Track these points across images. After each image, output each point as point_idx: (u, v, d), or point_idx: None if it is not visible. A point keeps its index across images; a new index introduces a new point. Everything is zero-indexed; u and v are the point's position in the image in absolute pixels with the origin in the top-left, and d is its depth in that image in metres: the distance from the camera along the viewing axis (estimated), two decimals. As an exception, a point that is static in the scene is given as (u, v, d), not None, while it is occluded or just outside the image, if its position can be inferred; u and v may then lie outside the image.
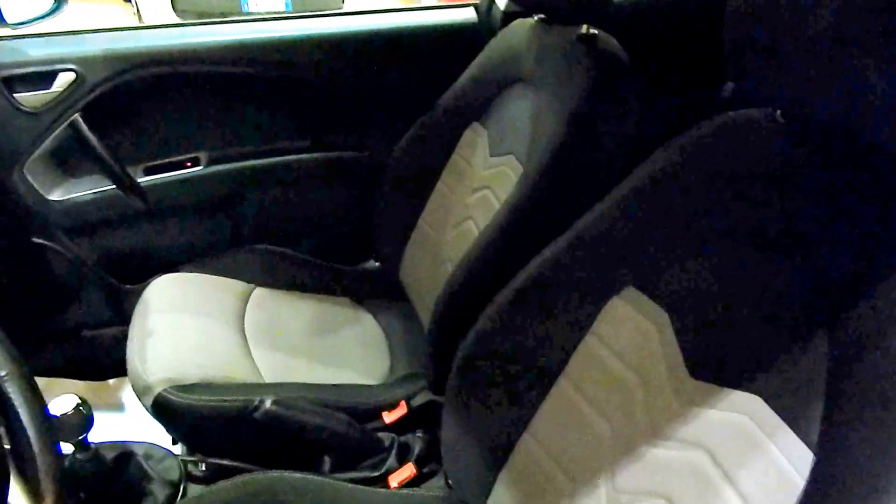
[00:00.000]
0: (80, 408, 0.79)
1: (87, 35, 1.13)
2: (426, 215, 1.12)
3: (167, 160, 1.23)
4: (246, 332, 1.08)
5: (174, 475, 0.89)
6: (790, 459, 0.49)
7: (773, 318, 0.53)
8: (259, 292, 1.16)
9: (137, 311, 1.08)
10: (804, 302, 0.52)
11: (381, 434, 0.95)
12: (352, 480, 0.82)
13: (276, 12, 3.26)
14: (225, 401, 0.91)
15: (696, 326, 0.59)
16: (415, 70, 1.24)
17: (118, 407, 1.22)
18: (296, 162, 1.27)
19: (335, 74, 1.21)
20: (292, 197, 1.30)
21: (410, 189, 1.12)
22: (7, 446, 0.54)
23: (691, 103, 1.10)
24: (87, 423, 0.80)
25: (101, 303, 1.27)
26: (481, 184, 0.99)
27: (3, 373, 0.56)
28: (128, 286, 1.27)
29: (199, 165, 1.23)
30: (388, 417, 0.97)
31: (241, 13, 3.20)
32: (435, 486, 0.87)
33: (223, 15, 3.21)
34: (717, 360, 0.56)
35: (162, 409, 0.93)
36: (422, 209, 1.12)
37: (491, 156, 0.98)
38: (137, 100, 1.18)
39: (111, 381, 1.27)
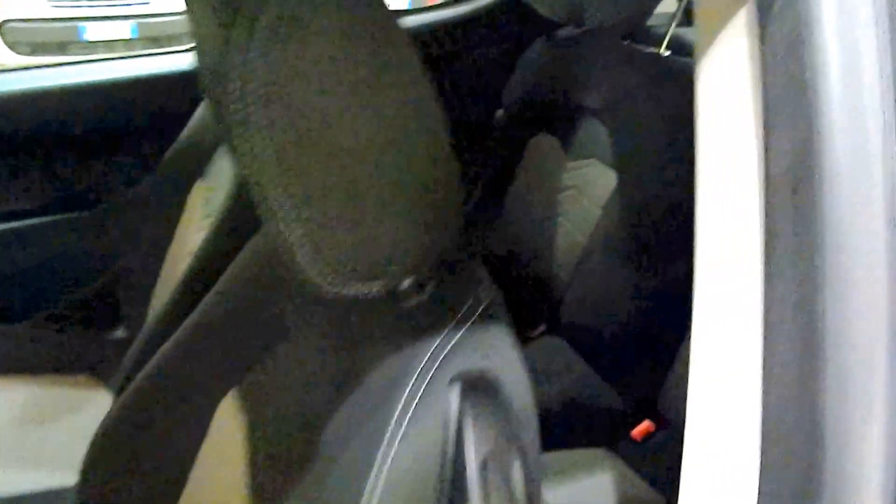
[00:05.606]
0: None
1: None
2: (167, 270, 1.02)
3: None
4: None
5: None
6: None
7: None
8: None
9: None
10: None
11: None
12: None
13: (120, 40, 3.08)
14: None
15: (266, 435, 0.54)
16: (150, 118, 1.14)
17: None
18: (23, 226, 1.14)
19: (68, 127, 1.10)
20: (21, 264, 1.16)
21: (155, 246, 1.02)
22: None
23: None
24: None
25: None
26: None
27: None
28: None
29: None
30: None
31: (79, 42, 3.00)
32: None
33: (60, 45, 3.00)
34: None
35: None
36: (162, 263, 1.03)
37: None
38: None
39: None
